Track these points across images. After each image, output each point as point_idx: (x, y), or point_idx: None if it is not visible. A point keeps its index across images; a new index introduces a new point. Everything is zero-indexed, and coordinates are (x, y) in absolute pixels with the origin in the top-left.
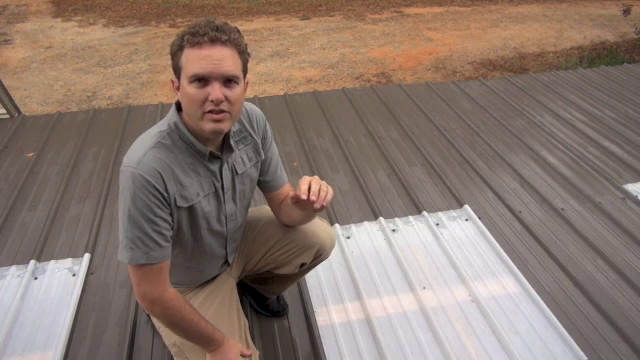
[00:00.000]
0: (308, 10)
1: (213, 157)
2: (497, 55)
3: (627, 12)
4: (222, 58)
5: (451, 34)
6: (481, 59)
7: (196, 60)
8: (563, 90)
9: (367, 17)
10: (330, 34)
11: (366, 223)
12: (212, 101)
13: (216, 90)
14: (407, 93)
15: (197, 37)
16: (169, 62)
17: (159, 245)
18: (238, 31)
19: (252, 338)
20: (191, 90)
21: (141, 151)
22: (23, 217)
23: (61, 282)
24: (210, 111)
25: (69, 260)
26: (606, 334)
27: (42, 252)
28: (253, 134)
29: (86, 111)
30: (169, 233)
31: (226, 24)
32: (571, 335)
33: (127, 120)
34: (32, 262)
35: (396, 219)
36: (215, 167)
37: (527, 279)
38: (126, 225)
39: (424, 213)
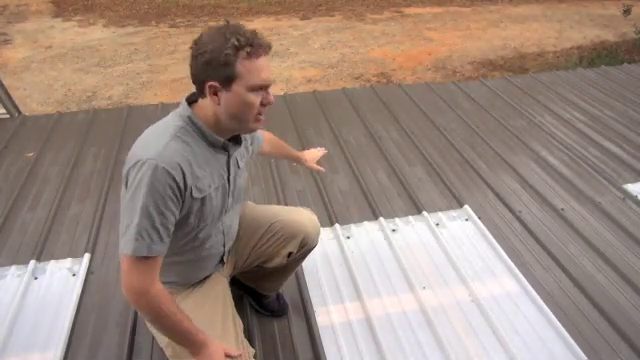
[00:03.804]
0: (308, 10)
1: (222, 148)
2: (497, 55)
3: (627, 12)
4: (270, 67)
5: (451, 34)
6: (481, 59)
7: (258, 71)
8: (563, 90)
9: (367, 17)
10: (330, 34)
11: (366, 223)
12: (267, 105)
13: (272, 96)
14: (407, 93)
15: (256, 48)
16: (169, 62)
17: (161, 239)
18: None
19: (252, 338)
20: (252, 98)
21: (160, 143)
22: (23, 217)
23: (61, 282)
24: (259, 113)
25: (69, 260)
26: (606, 334)
27: (42, 252)
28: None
29: (86, 111)
30: (172, 228)
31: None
32: (571, 335)
33: (127, 120)
34: (32, 262)
35: (396, 219)
36: (223, 159)
37: (527, 279)
38: (138, 216)
39: (424, 213)
